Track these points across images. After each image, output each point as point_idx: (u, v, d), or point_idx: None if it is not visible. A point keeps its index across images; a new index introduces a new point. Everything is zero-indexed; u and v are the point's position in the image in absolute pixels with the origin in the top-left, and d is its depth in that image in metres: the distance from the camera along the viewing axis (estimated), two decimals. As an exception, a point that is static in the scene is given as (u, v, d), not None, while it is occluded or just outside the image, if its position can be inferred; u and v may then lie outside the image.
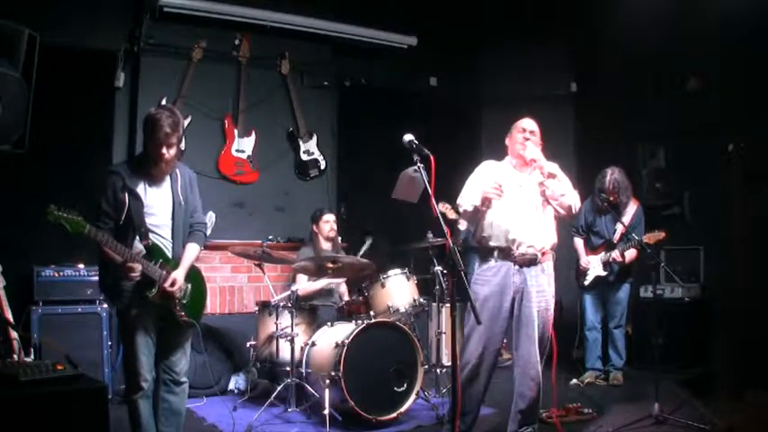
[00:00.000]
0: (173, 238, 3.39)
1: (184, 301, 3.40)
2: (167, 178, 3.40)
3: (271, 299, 4.97)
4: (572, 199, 3.86)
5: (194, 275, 3.51)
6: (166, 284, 3.27)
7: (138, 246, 3.25)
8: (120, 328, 3.41)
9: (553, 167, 3.85)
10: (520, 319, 3.81)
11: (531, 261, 3.82)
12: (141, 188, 3.30)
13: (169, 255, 3.36)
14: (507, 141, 4.01)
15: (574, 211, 3.94)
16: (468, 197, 3.87)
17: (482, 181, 3.86)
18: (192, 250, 3.46)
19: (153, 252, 3.29)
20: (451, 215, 5.42)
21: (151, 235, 3.31)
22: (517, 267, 3.79)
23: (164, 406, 3.42)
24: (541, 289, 3.86)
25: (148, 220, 3.30)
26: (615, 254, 5.31)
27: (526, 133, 3.89)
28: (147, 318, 3.31)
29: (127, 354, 3.34)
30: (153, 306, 3.30)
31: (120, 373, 5.08)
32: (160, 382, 3.42)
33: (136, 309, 3.29)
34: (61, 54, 4.88)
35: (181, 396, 3.48)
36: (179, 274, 3.34)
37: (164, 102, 5.58)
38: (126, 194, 3.23)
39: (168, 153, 3.26)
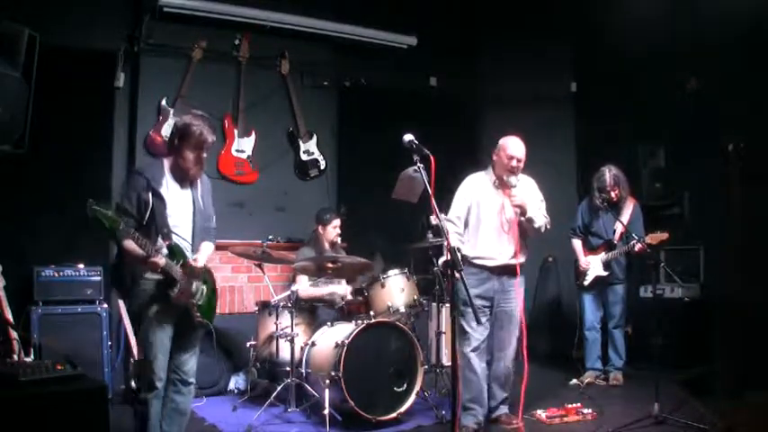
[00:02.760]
0: (192, 240, 3.46)
1: (200, 303, 3.44)
2: (188, 182, 3.47)
3: (271, 299, 4.98)
4: (543, 225, 4.32)
5: (208, 277, 3.56)
6: (189, 260, 3.36)
7: (161, 246, 3.29)
8: (140, 328, 3.39)
9: (532, 208, 4.24)
10: (498, 314, 4.32)
11: (506, 270, 4.29)
12: (165, 190, 3.36)
13: (189, 256, 3.42)
14: (494, 158, 4.33)
15: (542, 232, 4.36)
16: (455, 241, 4.19)
17: (467, 203, 4.32)
18: (208, 247, 3.57)
19: (175, 252, 3.33)
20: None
21: (173, 236, 3.35)
22: (496, 275, 4.28)
23: (171, 406, 3.44)
24: (515, 293, 4.33)
25: (170, 222, 3.35)
26: (637, 247, 5.06)
27: (513, 161, 4.22)
28: (166, 317, 3.34)
29: (144, 353, 3.34)
30: (172, 306, 3.33)
31: (119, 373, 5.09)
32: (169, 382, 3.42)
33: (156, 308, 3.31)
34: (61, 54, 4.88)
35: (188, 396, 3.50)
36: (200, 256, 3.45)
37: (164, 102, 5.59)
38: (150, 195, 3.28)
39: (204, 157, 3.41)
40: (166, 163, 3.45)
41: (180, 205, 3.42)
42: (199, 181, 3.53)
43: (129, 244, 3.21)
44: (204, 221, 3.54)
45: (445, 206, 4.61)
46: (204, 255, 3.51)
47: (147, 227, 3.28)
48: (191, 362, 3.50)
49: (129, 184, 3.36)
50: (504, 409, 4.38)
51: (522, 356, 4.14)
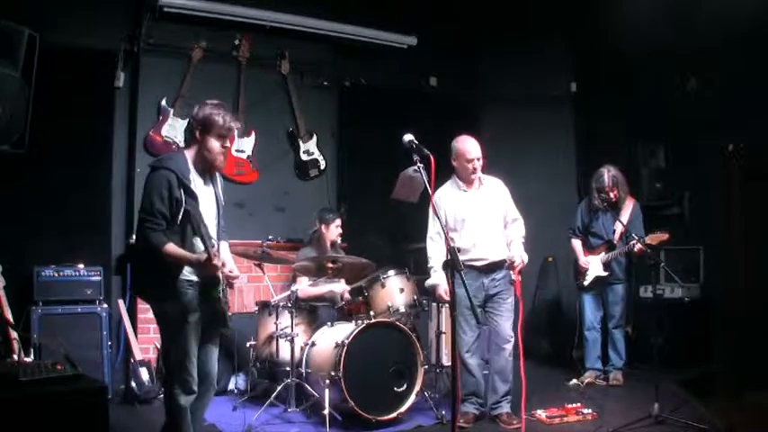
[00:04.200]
0: (217, 238, 3.35)
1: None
2: (209, 178, 3.35)
3: (271, 299, 4.98)
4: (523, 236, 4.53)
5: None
6: (227, 270, 3.25)
7: (200, 246, 3.10)
8: (172, 332, 3.20)
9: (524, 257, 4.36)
10: (491, 309, 4.44)
11: (493, 267, 4.40)
12: (194, 186, 3.20)
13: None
14: (455, 164, 4.47)
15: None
16: (435, 261, 4.40)
17: (441, 217, 4.39)
18: (227, 247, 3.48)
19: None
20: None
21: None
22: (485, 273, 4.39)
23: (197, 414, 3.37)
24: (505, 288, 4.43)
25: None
26: (637, 247, 5.02)
27: (474, 162, 4.39)
28: (199, 323, 3.23)
29: (180, 356, 3.17)
30: (203, 311, 3.22)
31: (120, 373, 5.10)
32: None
33: (197, 313, 3.19)
34: (61, 54, 4.88)
35: (208, 402, 3.45)
36: (233, 265, 3.35)
37: (164, 102, 5.59)
38: (182, 192, 3.10)
39: (227, 146, 3.30)
40: (189, 156, 3.26)
41: (206, 202, 3.26)
42: (217, 175, 3.40)
43: (171, 248, 3.05)
44: (221, 218, 3.42)
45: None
46: (231, 260, 3.40)
47: (180, 227, 3.11)
48: (215, 365, 3.41)
49: (159, 181, 3.11)
50: (506, 408, 4.40)
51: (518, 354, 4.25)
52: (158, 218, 3.10)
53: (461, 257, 4.28)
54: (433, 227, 4.45)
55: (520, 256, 4.34)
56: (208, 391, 3.39)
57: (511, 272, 4.33)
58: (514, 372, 4.36)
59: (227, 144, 3.30)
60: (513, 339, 4.40)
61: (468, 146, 4.43)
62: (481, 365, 4.50)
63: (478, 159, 4.40)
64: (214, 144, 3.23)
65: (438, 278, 4.36)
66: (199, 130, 3.25)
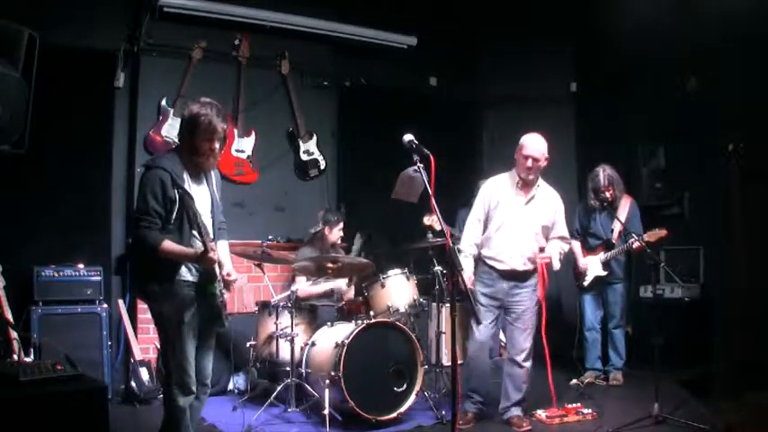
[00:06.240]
0: (214, 237, 3.33)
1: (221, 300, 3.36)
2: (202, 176, 3.34)
3: (271, 299, 4.98)
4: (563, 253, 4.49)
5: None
6: (224, 273, 3.25)
7: (198, 243, 3.12)
8: (170, 334, 3.20)
9: (556, 261, 4.32)
10: (509, 315, 4.39)
11: (515, 275, 4.34)
12: (188, 185, 3.19)
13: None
14: (516, 156, 4.36)
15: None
16: (466, 246, 4.38)
17: (485, 204, 4.37)
18: (227, 247, 3.45)
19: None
20: (437, 227, 5.45)
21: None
22: (506, 279, 4.34)
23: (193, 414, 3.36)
24: (528, 300, 4.37)
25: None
26: (635, 245, 5.04)
27: (529, 161, 4.26)
28: (195, 321, 3.23)
29: (177, 358, 3.18)
30: (199, 310, 3.23)
31: (120, 373, 5.10)
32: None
33: (192, 312, 3.19)
34: (61, 54, 4.88)
35: (203, 402, 3.44)
36: (231, 268, 3.34)
37: (164, 102, 5.58)
38: (176, 191, 3.09)
39: (217, 147, 3.23)
40: (181, 155, 3.25)
41: (200, 201, 3.25)
42: (212, 172, 3.39)
43: (168, 245, 3.07)
44: (219, 216, 3.42)
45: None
46: (229, 262, 3.39)
47: (177, 225, 3.12)
48: (210, 365, 3.41)
49: (153, 180, 3.11)
50: (515, 411, 4.37)
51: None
52: (154, 216, 3.11)
53: (489, 253, 4.35)
54: (474, 213, 4.45)
55: (551, 252, 4.29)
56: (203, 392, 3.39)
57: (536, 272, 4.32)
58: (543, 377, 4.43)
59: (216, 145, 3.23)
60: (527, 352, 4.36)
61: (528, 141, 4.31)
62: (488, 364, 4.49)
63: (534, 160, 4.25)
64: (200, 146, 3.20)
65: (465, 264, 4.30)
66: (186, 131, 3.23)
